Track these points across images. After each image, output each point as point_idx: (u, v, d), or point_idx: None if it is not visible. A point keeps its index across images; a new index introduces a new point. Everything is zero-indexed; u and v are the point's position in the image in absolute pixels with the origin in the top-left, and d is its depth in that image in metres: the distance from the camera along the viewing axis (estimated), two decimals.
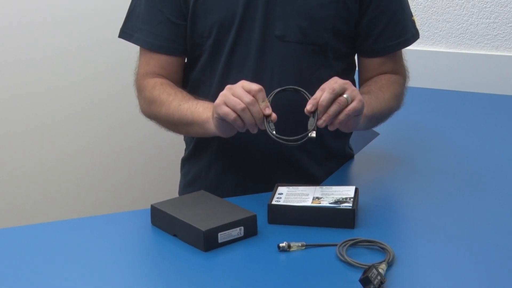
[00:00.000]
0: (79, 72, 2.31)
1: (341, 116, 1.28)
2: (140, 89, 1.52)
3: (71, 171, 2.38)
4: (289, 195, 1.33)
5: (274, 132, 1.28)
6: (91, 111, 2.36)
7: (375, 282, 1.06)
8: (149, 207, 1.30)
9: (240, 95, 1.27)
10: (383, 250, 1.18)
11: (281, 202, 1.31)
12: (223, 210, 1.27)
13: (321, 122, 1.27)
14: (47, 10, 2.23)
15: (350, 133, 1.63)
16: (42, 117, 2.30)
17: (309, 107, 1.28)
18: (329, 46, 1.47)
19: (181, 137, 1.65)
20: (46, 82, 2.27)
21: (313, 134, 1.28)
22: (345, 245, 1.19)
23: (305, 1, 1.43)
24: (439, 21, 2.29)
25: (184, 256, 1.20)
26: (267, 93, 1.31)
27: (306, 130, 1.29)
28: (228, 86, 1.31)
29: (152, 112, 1.50)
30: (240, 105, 1.26)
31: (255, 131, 1.30)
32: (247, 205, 1.29)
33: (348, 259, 1.15)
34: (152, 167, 2.51)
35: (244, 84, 1.29)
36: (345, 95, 1.28)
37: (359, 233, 1.24)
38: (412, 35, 1.55)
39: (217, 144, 1.52)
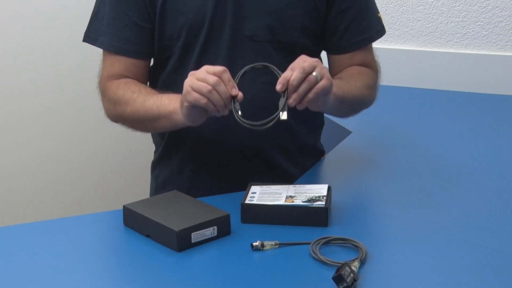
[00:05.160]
0: (50, 73, 2.29)
1: (310, 95, 1.29)
2: (103, 91, 1.50)
3: (41, 172, 2.36)
4: (262, 194, 1.33)
5: (239, 112, 1.28)
6: (62, 112, 2.34)
7: (348, 280, 1.06)
8: (121, 208, 1.29)
9: (204, 78, 1.27)
10: (356, 247, 1.19)
11: (254, 201, 1.31)
12: (196, 210, 1.26)
13: (292, 101, 1.28)
14: (14, 9, 2.20)
15: (322, 128, 1.64)
16: (12, 117, 2.27)
17: (279, 86, 1.29)
18: (298, 44, 1.48)
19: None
20: (15, 82, 2.25)
21: (284, 116, 1.28)
22: (318, 243, 1.19)
23: (274, 0, 1.44)
24: (409, 19, 2.31)
25: (157, 256, 1.19)
26: (234, 76, 1.31)
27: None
28: (191, 72, 1.30)
29: (118, 112, 1.48)
30: (206, 87, 1.26)
31: (226, 112, 1.29)
32: (220, 204, 1.29)
33: (322, 257, 1.15)
34: (123, 168, 2.49)
35: (207, 68, 1.29)
36: (314, 73, 1.29)
37: (332, 231, 1.25)
38: (376, 31, 1.56)
39: (188, 146, 1.51)
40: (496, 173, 1.55)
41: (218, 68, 1.28)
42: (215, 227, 1.23)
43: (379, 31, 1.57)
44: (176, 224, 1.20)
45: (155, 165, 1.61)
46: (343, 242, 1.21)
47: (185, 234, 1.19)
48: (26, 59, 2.25)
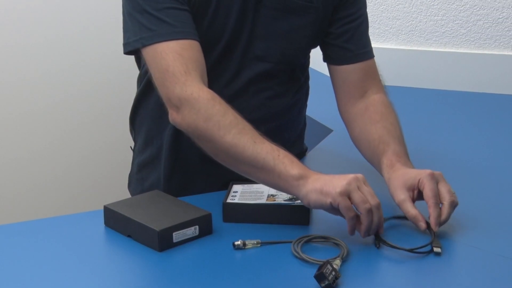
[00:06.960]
0: (34, 74, 2.27)
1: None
2: (189, 98, 1.28)
3: (21, 173, 2.34)
4: (244, 193, 1.33)
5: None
6: (45, 113, 2.32)
7: (329, 278, 1.07)
8: (102, 208, 1.29)
9: (366, 194, 1.19)
10: (337, 246, 1.20)
11: (236, 200, 1.31)
12: (178, 210, 1.26)
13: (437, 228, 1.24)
14: (6, 6, 2.18)
15: (304, 129, 1.65)
16: None
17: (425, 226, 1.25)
18: (299, 64, 1.52)
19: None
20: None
21: (439, 249, 1.19)
22: (300, 242, 1.20)
23: (286, 22, 1.43)
24: (389, 18, 2.33)
25: (139, 256, 1.19)
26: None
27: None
28: (352, 178, 1.19)
29: (208, 129, 1.27)
30: (365, 203, 1.17)
31: (363, 236, 1.20)
32: (201, 204, 1.28)
33: (303, 256, 1.16)
34: (104, 169, 2.48)
35: (367, 188, 1.20)
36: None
37: (313, 230, 1.26)
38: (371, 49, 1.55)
39: (178, 152, 1.49)
40: (477, 170, 1.56)
41: (377, 199, 1.20)
42: (197, 227, 1.23)
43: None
44: (157, 223, 1.20)
45: (141, 167, 1.58)
46: (325, 241, 1.21)
47: (166, 234, 1.19)
48: (12, 57, 2.24)
